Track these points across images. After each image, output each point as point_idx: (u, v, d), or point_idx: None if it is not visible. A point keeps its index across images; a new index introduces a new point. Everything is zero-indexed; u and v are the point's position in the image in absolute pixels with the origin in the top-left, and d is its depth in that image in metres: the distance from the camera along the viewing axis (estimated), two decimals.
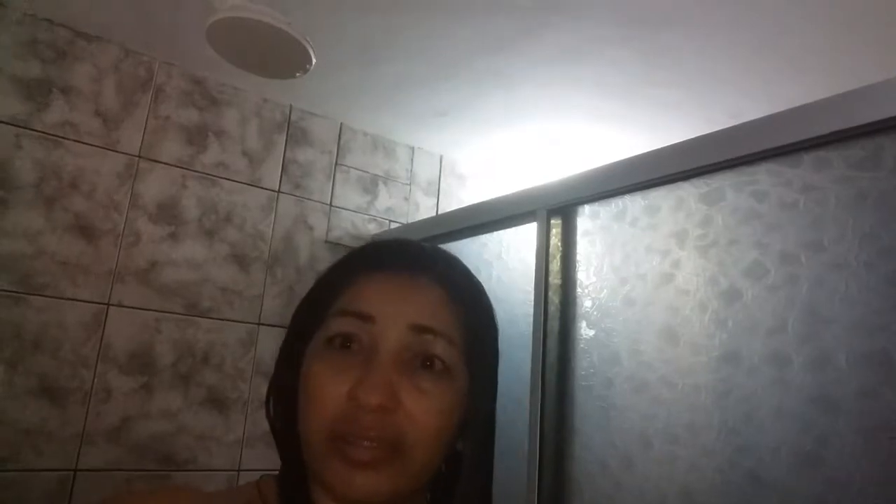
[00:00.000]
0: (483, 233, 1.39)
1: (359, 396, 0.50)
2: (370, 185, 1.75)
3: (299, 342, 0.60)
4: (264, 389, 1.54)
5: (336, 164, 1.70)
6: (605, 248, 1.10)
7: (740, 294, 0.88)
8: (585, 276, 1.12)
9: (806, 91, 1.33)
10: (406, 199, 1.81)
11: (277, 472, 0.57)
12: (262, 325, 1.49)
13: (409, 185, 1.83)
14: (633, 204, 1.06)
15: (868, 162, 0.78)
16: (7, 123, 1.24)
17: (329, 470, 0.51)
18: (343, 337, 0.54)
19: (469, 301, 0.58)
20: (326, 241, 1.64)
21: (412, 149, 1.85)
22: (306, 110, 1.66)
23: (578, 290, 1.12)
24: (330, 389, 0.52)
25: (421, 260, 0.59)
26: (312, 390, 0.53)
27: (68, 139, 1.30)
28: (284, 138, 1.61)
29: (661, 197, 1.02)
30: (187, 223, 1.42)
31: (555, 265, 1.16)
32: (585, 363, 1.07)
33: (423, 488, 0.56)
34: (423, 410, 0.52)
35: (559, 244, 1.17)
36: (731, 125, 0.92)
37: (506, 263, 1.32)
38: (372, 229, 1.72)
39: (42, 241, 1.25)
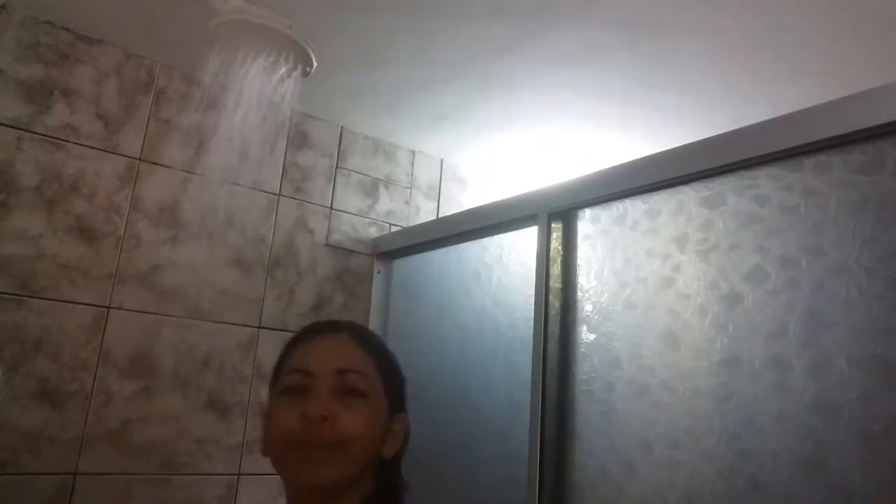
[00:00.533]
0: (484, 236, 1.39)
1: (308, 413, 0.75)
2: (371, 189, 1.75)
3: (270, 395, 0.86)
4: (265, 392, 1.53)
5: (337, 167, 1.70)
6: (605, 251, 1.09)
7: (741, 298, 0.88)
8: (586, 279, 1.12)
9: (807, 95, 1.33)
10: (407, 202, 1.82)
11: None
12: (263, 328, 1.49)
13: (410, 188, 1.83)
14: (634, 208, 1.06)
15: (868, 166, 0.78)
16: (8, 126, 1.24)
17: (290, 470, 0.78)
18: (294, 386, 0.80)
19: (377, 348, 0.88)
20: (327, 245, 1.64)
21: (413, 152, 1.86)
22: (307, 114, 1.66)
23: (579, 293, 1.12)
24: (287, 415, 0.77)
25: (339, 325, 0.88)
26: (275, 419, 0.79)
27: (69, 142, 1.30)
28: (285, 142, 1.61)
29: (662, 201, 1.02)
30: (188, 226, 1.42)
31: (555, 269, 1.16)
32: (586, 367, 1.07)
33: (358, 481, 0.80)
34: (353, 421, 0.78)
35: (560, 248, 1.17)
36: (731, 129, 0.93)
37: (506, 267, 1.32)
38: (372, 233, 1.72)
39: (43, 244, 1.25)
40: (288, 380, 0.83)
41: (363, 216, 1.72)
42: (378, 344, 0.91)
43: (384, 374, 0.87)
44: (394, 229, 1.76)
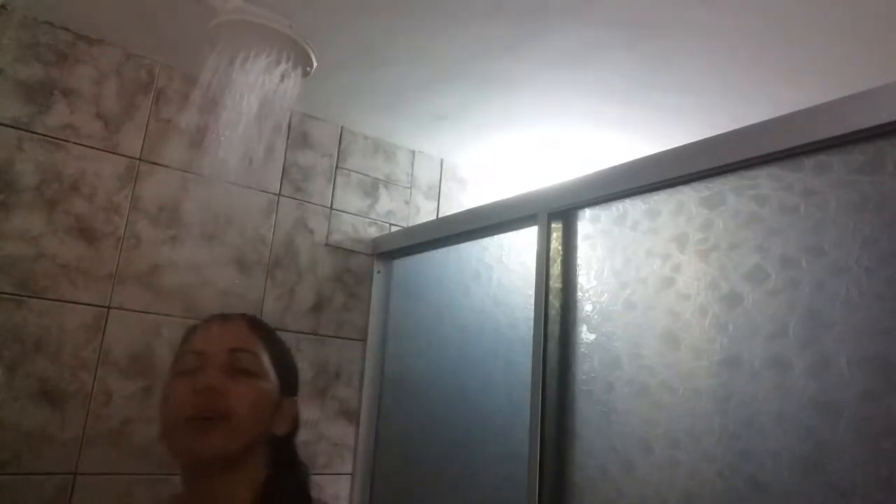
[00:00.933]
0: (484, 236, 1.39)
1: (196, 386, 0.81)
2: (371, 189, 1.75)
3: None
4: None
5: (337, 167, 1.70)
6: (605, 251, 1.09)
7: (741, 298, 0.88)
8: (586, 279, 1.12)
9: (807, 95, 1.33)
10: (407, 202, 1.82)
11: None
12: None
13: (410, 188, 1.83)
14: (634, 208, 1.06)
15: (869, 166, 0.78)
16: (8, 126, 1.24)
17: (183, 444, 0.82)
18: (188, 366, 0.85)
19: (270, 334, 0.94)
20: (327, 245, 1.64)
21: (413, 152, 1.86)
22: (307, 113, 1.66)
23: (579, 293, 1.12)
24: (179, 391, 0.83)
25: (236, 314, 0.94)
26: (172, 395, 0.84)
27: (69, 142, 1.30)
28: (285, 142, 1.61)
29: (662, 201, 1.02)
30: (188, 226, 1.42)
31: (555, 269, 1.16)
32: (586, 367, 1.07)
33: (255, 455, 0.85)
34: (243, 394, 0.83)
35: (560, 248, 1.17)
36: (731, 129, 0.93)
37: (506, 267, 1.32)
38: (372, 233, 1.72)
39: (43, 244, 1.25)
40: (182, 361, 0.88)
41: (363, 216, 1.72)
42: (272, 332, 0.96)
43: (275, 358, 0.91)
44: (394, 229, 1.76)
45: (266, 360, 0.89)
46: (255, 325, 0.94)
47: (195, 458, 0.83)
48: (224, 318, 0.94)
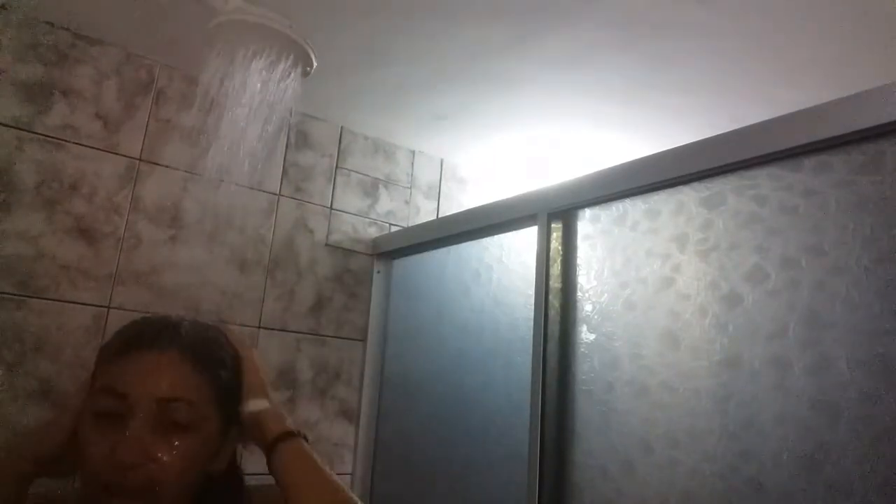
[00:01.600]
0: (483, 236, 1.39)
1: (118, 455, 0.67)
2: (371, 189, 1.75)
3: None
4: None
5: (337, 167, 1.70)
6: (605, 251, 1.09)
7: (741, 298, 0.88)
8: (586, 279, 1.12)
9: (807, 95, 1.33)
10: (407, 202, 1.82)
11: None
12: (263, 328, 1.49)
13: (410, 188, 1.83)
14: (634, 208, 1.06)
15: (869, 166, 0.78)
16: (8, 126, 1.24)
17: (96, 499, 0.68)
18: (106, 411, 0.71)
19: (210, 360, 0.78)
20: (327, 245, 1.64)
21: (413, 152, 1.86)
22: (307, 113, 1.66)
23: (579, 293, 1.12)
24: (96, 446, 0.69)
25: (165, 340, 0.76)
26: (85, 445, 0.70)
27: (69, 142, 1.30)
28: (285, 142, 1.61)
29: (662, 201, 1.02)
30: (188, 226, 1.42)
31: (555, 269, 1.16)
32: (586, 367, 1.07)
33: (185, 496, 0.73)
34: (172, 463, 0.70)
35: (560, 248, 1.17)
36: (732, 129, 0.93)
37: (506, 267, 1.32)
38: (372, 233, 1.72)
39: (43, 244, 1.25)
40: (100, 402, 0.72)
41: (363, 216, 1.72)
42: (211, 353, 0.80)
43: (217, 392, 0.77)
44: (394, 229, 1.76)
45: (207, 400, 0.75)
46: (192, 354, 0.77)
47: None
48: (150, 345, 0.75)
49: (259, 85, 1.46)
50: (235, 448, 0.83)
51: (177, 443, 0.71)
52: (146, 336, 0.77)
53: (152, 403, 0.71)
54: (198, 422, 0.74)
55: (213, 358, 0.80)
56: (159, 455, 0.70)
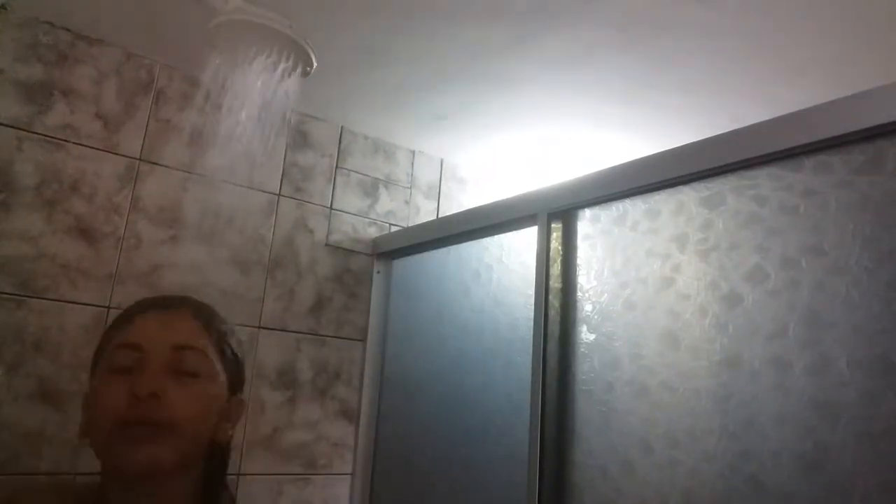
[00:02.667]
0: (483, 236, 1.39)
1: (136, 391, 0.70)
2: (371, 189, 1.75)
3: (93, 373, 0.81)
4: (266, 393, 1.53)
5: (337, 167, 1.70)
6: (605, 251, 1.09)
7: (741, 298, 0.88)
8: (586, 279, 1.12)
9: (807, 95, 1.33)
10: (407, 202, 1.82)
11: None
12: (263, 328, 1.49)
13: (410, 188, 1.83)
14: (634, 208, 1.06)
15: (869, 166, 0.78)
16: (8, 126, 1.24)
17: (115, 452, 0.71)
18: (123, 363, 0.75)
19: (219, 326, 0.84)
20: (327, 245, 1.64)
21: (413, 152, 1.86)
22: (307, 113, 1.66)
23: (579, 293, 1.12)
24: (114, 393, 0.72)
25: (178, 301, 0.84)
26: (101, 399, 0.73)
27: (69, 142, 1.30)
28: (285, 142, 1.61)
29: (662, 201, 1.02)
30: (188, 226, 1.42)
31: (555, 269, 1.16)
32: (586, 367, 1.07)
33: (192, 465, 0.77)
34: (185, 402, 0.73)
35: (560, 248, 1.17)
36: (732, 129, 0.93)
37: (506, 267, 1.32)
38: (372, 233, 1.72)
39: (42, 244, 1.25)
40: (117, 356, 0.76)
41: (363, 216, 1.72)
42: (220, 321, 0.86)
43: (224, 355, 0.82)
44: (394, 229, 1.76)
45: (215, 356, 0.80)
46: (202, 315, 0.83)
47: (125, 469, 0.72)
48: (165, 305, 0.83)
49: (259, 85, 1.46)
50: (235, 425, 0.86)
51: (188, 383, 0.76)
52: (158, 301, 0.84)
53: (167, 350, 0.76)
54: (208, 372, 0.78)
55: (220, 327, 0.85)
56: (172, 391, 0.74)
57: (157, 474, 0.72)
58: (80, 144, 1.32)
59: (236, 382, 0.84)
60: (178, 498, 0.76)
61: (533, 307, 1.16)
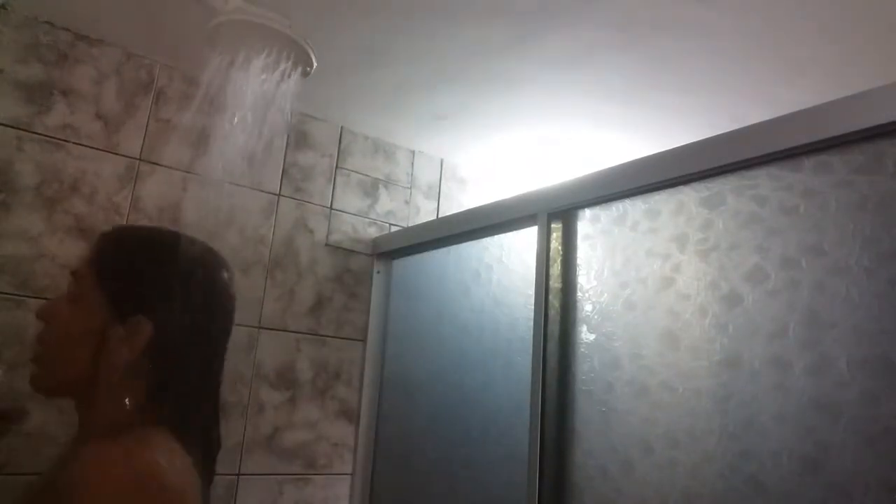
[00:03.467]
0: (483, 236, 1.39)
1: None
2: (371, 189, 1.75)
3: None
4: (266, 393, 1.53)
5: (336, 167, 1.70)
6: (605, 251, 1.09)
7: (741, 298, 0.88)
8: (586, 279, 1.12)
9: (807, 95, 1.33)
10: (407, 202, 1.82)
11: None
12: (263, 328, 1.49)
13: (410, 188, 1.83)
14: (634, 208, 1.06)
15: (868, 166, 0.78)
16: (8, 126, 1.24)
17: None
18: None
19: (104, 247, 0.86)
20: (327, 245, 1.64)
21: (413, 152, 1.86)
22: (307, 113, 1.66)
23: (579, 293, 1.12)
24: None
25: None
26: None
27: (69, 142, 1.30)
28: (285, 142, 1.61)
29: (662, 201, 1.02)
30: (188, 226, 1.42)
31: (555, 269, 1.16)
32: (586, 367, 1.07)
33: (93, 387, 0.79)
34: (57, 322, 0.82)
35: (560, 248, 1.17)
36: (732, 129, 0.93)
37: (506, 267, 1.32)
38: (372, 233, 1.72)
39: (42, 244, 1.25)
40: None
41: (363, 216, 1.72)
42: (108, 243, 0.87)
43: (102, 273, 0.82)
44: (394, 229, 1.76)
45: (89, 276, 0.82)
46: (101, 244, 0.86)
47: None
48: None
49: (259, 85, 1.45)
50: (134, 347, 0.80)
51: (63, 310, 0.82)
52: None
53: (68, 276, 0.84)
54: (78, 294, 0.82)
55: (105, 245, 0.86)
56: (53, 316, 0.81)
57: (39, 391, 0.83)
58: (80, 144, 1.32)
59: (127, 302, 0.81)
60: (106, 415, 0.78)
61: (533, 307, 1.16)
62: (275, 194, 1.57)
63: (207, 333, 0.87)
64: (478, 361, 1.33)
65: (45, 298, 1.23)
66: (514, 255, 1.30)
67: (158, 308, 0.81)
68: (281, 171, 1.59)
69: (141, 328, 0.80)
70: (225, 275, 0.94)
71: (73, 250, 1.27)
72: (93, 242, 0.88)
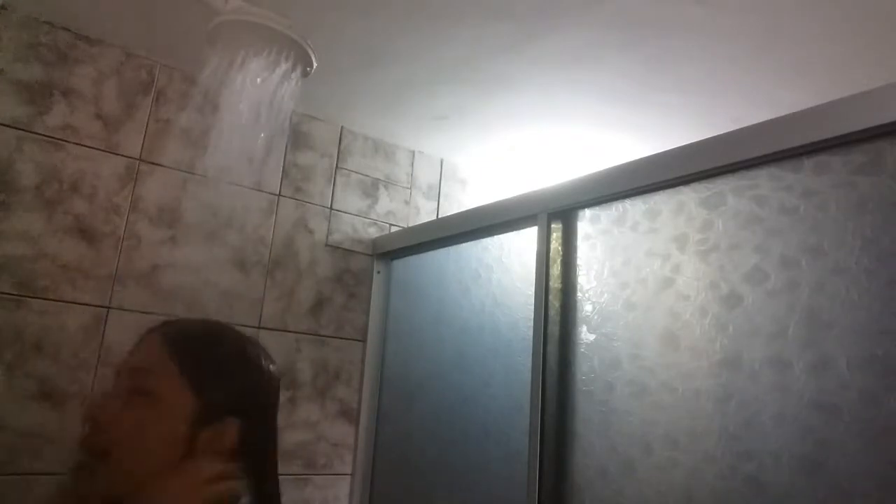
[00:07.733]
0: (484, 236, 1.39)
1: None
2: (371, 189, 1.75)
3: None
4: None
5: (337, 167, 1.70)
6: (605, 252, 1.09)
7: (741, 299, 0.88)
8: (586, 280, 1.12)
9: (807, 96, 1.33)
10: (407, 202, 1.82)
11: None
12: (263, 328, 1.49)
13: (410, 188, 1.83)
14: (634, 208, 1.06)
15: (868, 166, 0.78)
16: (8, 126, 1.24)
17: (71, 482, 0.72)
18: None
19: (187, 344, 0.78)
20: (327, 245, 1.64)
21: (413, 152, 1.86)
22: (307, 114, 1.66)
23: (579, 294, 1.12)
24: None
25: (154, 327, 0.80)
26: None
27: (69, 142, 1.30)
28: (285, 142, 1.61)
29: (662, 201, 1.02)
30: (188, 226, 1.42)
31: (555, 269, 1.16)
32: (586, 368, 1.07)
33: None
34: (132, 422, 0.71)
35: (560, 248, 1.17)
36: (732, 130, 0.93)
37: (506, 267, 1.32)
38: (372, 233, 1.72)
39: (42, 244, 1.25)
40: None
41: (363, 216, 1.72)
42: (190, 341, 0.79)
43: (190, 372, 0.74)
44: (394, 229, 1.76)
45: (172, 373, 0.74)
46: (172, 339, 0.78)
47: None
48: (148, 330, 0.80)
49: (259, 85, 1.45)
50: (226, 453, 0.76)
51: (139, 406, 0.72)
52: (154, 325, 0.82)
53: (125, 374, 0.75)
54: (156, 390, 0.73)
55: (187, 342, 0.79)
56: (120, 417, 0.71)
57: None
58: (80, 145, 1.32)
59: (216, 404, 0.75)
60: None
61: (533, 307, 1.16)
62: (275, 194, 1.57)
63: (270, 423, 0.85)
64: (478, 362, 1.33)
65: (46, 299, 1.23)
66: (514, 255, 1.30)
67: (248, 408, 0.78)
68: (281, 171, 1.59)
69: (227, 430, 0.75)
70: (272, 367, 0.91)
71: (74, 250, 1.27)
72: (156, 337, 0.78)
